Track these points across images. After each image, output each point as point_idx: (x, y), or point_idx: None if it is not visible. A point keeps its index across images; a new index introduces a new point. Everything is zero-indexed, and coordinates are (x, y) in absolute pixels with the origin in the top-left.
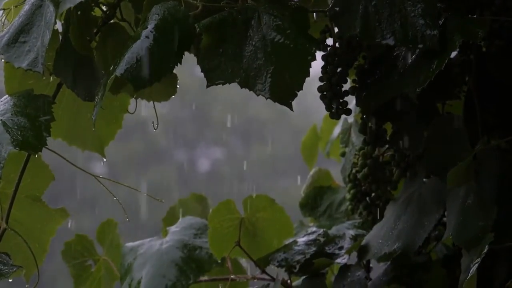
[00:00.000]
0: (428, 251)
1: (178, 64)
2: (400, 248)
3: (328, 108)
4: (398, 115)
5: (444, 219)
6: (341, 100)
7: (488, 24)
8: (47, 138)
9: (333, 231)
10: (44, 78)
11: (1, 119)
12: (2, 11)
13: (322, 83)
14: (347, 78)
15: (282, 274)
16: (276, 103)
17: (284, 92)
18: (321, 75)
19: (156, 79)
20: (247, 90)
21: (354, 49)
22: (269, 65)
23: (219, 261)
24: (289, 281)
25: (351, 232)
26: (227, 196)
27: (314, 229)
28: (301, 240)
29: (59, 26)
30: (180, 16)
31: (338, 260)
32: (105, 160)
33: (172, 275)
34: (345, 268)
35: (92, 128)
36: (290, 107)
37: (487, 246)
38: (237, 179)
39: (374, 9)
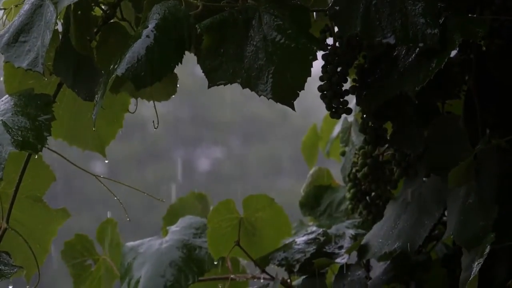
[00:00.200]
0: (428, 250)
1: (179, 63)
2: (400, 247)
3: (329, 107)
4: (398, 115)
5: (444, 218)
6: (341, 100)
7: (488, 23)
8: (47, 138)
9: (333, 230)
10: (45, 78)
11: (2, 119)
12: (2, 10)
13: (322, 83)
14: (348, 77)
15: (281, 273)
16: (277, 103)
17: (286, 92)
18: (321, 74)
19: (157, 78)
20: (247, 89)
21: (354, 48)
22: (271, 65)
23: (216, 262)
24: (289, 281)
25: (351, 232)
26: (227, 195)
27: (314, 228)
28: (301, 239)
29: (59, 26)
30: (180, 15)
31: (338, 260)
32: (106, 159)
33: (171, 275)
34: (345, 267)
35: (92, 127)
36: (292, 107)
37: (488, 246)
38: (237, 178)
39: (375, 8)
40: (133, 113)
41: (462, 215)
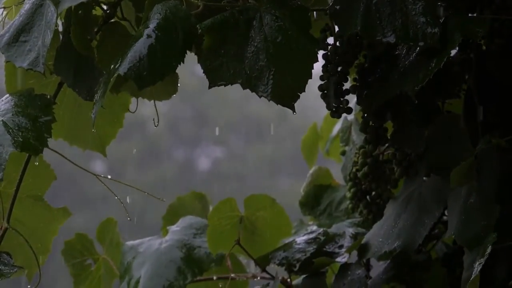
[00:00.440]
0: (428, 249)
1: (181, 63)
2: (400, 246)
3: (329, 106)
4: (399, 114)
5: (444, 217)
6: (341, 99)
7: (488, 22)
8: (48, 139)
9: (333, 229)
10: (45, 78)
11: (2, 120)
12: (2, 10)
13: (322, 82)
14: (348, 76)
15: (281, 272)
16: (278, 104)
17: (286, 94)
18: (321, 74)
19: (159, 77)
20: (248, 90)
21: (355, 47)
22: (271, 66)
23: (215, 257)
24: (289, 280)
25: (351, 231)
26: (227, 195)
27: (314, 227)
28: (301, 238)
29: (59, 25)
30: (181, 15)
31: (338, 259)
32: (106, 159)
33: (170, 275)
34: (345, 266)
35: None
36: (293, 109)
37: (490, 246)
38: (237, 178)
39: (375, 7)
40: (134, 112)
41: (464, 214)
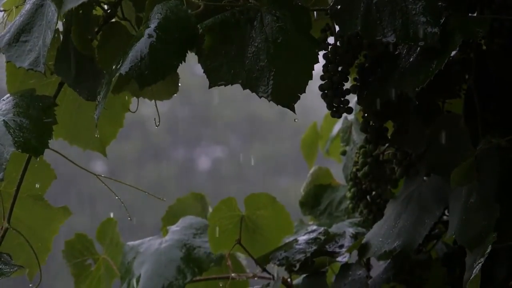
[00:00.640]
0: (428, 249)
1: (182, 62)
2: (400, 246)
3: (329, 106)
4: (399, 114)
5: (444, 217)
6: (342, 99)
7: (489, 22)
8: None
9: (333, 229)
10: (46, 78)
11: (3, 119)
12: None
13: (323, 82)
14: (348, 76)
15: (282, 272)
16: (278, 105)
17: (287, 95)
18: (322, 73)
19: (161, 77)
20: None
21: (355, 47)
22: (272, 66)
23: (215, 257)
24: (289, 280)
25: (352, 231)
26: (227, 194)
27: (314, 227)
28: (302, 238)
29: (60, 25)
30: (182, 15)
31: (339, 259)
32: (106, 159)
33: (169, 274)
34: (345, 266)
35: (93, 127)
36: (293, 110)
37: (490, 246)
38: (238, 177)
39: (376, 7)
40: (134, 112)
41: (464, 214)
